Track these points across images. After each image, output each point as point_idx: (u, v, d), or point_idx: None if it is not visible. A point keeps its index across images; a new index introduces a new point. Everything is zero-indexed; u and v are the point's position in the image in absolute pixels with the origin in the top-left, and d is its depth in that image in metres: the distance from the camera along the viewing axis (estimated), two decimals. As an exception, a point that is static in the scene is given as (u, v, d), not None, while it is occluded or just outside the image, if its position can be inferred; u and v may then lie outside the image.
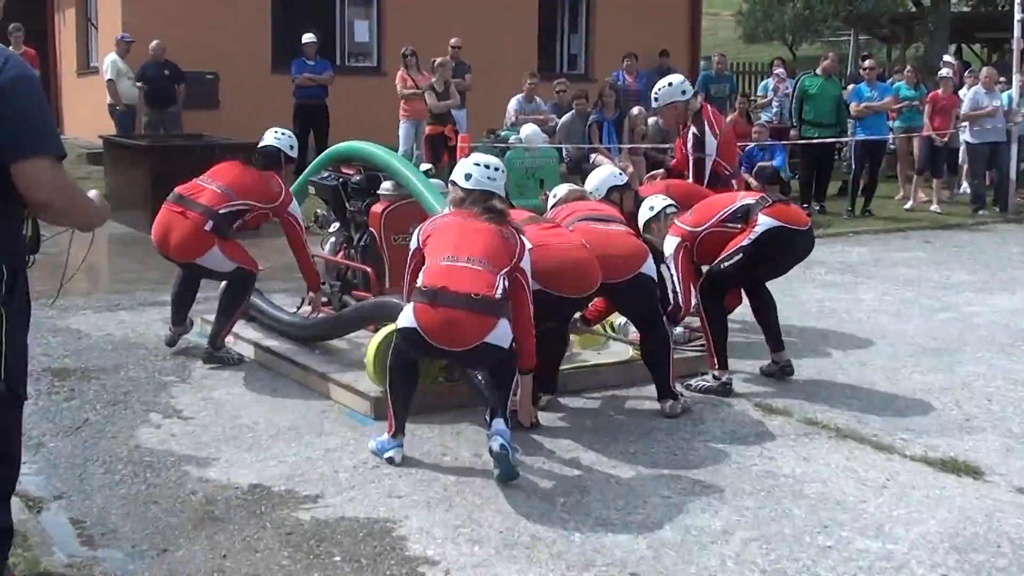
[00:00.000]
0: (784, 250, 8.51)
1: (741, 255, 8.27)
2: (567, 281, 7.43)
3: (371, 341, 7.80)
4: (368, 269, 9.52)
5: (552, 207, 8.60)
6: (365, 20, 24.33)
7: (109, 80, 19.96)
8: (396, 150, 18.01)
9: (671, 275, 8.47)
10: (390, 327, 7.55)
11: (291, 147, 9.61)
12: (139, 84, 19.91)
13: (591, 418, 7.80)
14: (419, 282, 6.64)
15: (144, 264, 10.02)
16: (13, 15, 22.11)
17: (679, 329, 9.12)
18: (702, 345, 8.89)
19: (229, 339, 9.29)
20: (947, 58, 25.44)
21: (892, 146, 21.16)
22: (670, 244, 8.43)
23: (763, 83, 24.21)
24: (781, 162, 18.74)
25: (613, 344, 9.07)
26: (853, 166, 19.24)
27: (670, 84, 10.36)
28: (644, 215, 8.81)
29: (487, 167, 7.31)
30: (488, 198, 7.06)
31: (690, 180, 10.02)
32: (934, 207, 19.63)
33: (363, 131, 13.03)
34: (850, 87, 19.94)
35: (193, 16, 21.31)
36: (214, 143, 16.54)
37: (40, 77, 17.19)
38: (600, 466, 6.84)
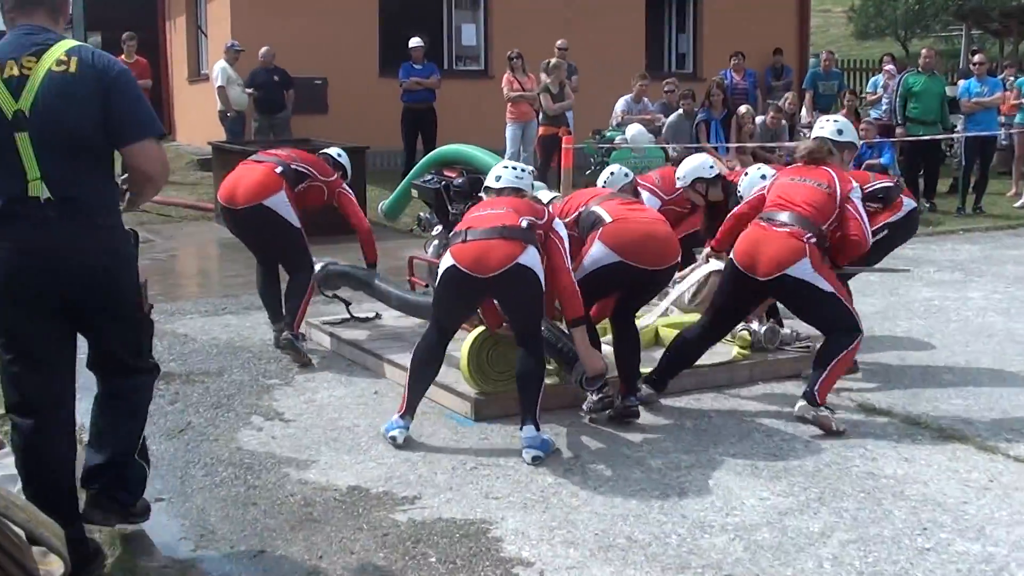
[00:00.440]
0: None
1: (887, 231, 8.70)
2: (647, 253, 7.53)
3: (464, 344, 7.84)
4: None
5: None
6: (472, 23, 24.37)
7: (220, 87, 20.18)
8: (503, 152, 18.14)
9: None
10: (480, 329, 7.69)
11: (340, 155, 10.11)
12: (249, 90, 20.11)
13: (692, 419, 7.76)
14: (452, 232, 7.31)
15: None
16: (126, 25, 22.56)
17: (786, 330, 9.04)
18: (807, 346, 8.83)
19: (332, 343, 9.38)
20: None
21: (1004, 142, 20.83)
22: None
23: (872, 80, 23.91)
24: (889, 159, 18.48)
25: (718, 344, 9.02)
26: (963, 163, 18.94)
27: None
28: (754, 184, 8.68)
29: (515, 168, 7.80)
30: (518, 193, 7.59)
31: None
32: (1047, 204, 19.32)
33: (470, 134, 13.10)
34: (960, 83, 19.63)
35: (301, 22, 21.49)
36: (322, 145, 16.65)
37: (151, 85, 17.72)
38: (699, 467, 6.80)
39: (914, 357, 9.40)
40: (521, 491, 6.41)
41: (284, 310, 9.35)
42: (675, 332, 8.74)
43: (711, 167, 9.19)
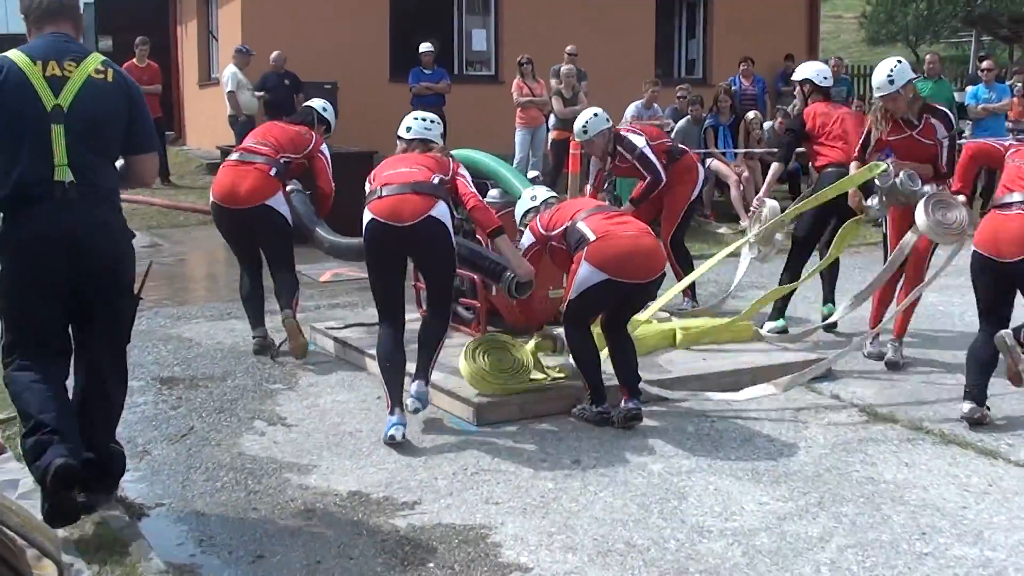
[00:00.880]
0: None
1: None
2: (633, 268, 7.61)
3: (461, 353, 7.94)
4: (474, 276, 9.56)
5: (530, 211, 8.52)
6: (482, 29, 24.36)
7: (229, 92, 20.21)
8: (512, 158, 18.17)
9: None
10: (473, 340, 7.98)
11: (324, 109, 10.51)
12: (258, 94, 20.14)
13: (693, 424, 7.76)
14: (367, 189, 7.75)
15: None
16: (138, 29, 22.62)
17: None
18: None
19: (336, 348, 9.42)
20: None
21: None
22: None
23: (881, 85, 23.88)
24: (893, 164, 18.47)
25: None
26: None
27: (596, 115, 10.77)
28: None
29: (424, 120, 8.35)
30: (425, 143, 8.15)
31: (641, 186, 10.84)
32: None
33: (480, 139, 13.11)
34: (968, 88, 19.58)
35: (312, 27, 21.52)
36: (332, 152, 16.67)
37: (162, 89, 17.93)
38: (699, 472, 6.81)
39: (917, 362, 9.41)
40: (521, 496, 6.42)
41: (280, 303, 9.50)
42: (693, 334, 8.88)
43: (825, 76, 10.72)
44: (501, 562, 5.59)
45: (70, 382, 5.93)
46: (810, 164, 11.17)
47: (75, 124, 5.67)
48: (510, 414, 7.72)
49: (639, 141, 10.72)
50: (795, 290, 10.25)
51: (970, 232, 8.22)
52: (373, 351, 9.02)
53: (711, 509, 6.24)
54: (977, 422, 7.62)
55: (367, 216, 7.59)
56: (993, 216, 7.75)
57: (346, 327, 9.91)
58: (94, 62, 5.80)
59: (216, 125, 22.15)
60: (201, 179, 21.17)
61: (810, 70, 10.88)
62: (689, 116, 18.62)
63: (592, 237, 7.60)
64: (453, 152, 10.36)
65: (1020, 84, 20.33)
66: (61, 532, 5.49)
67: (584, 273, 7.56)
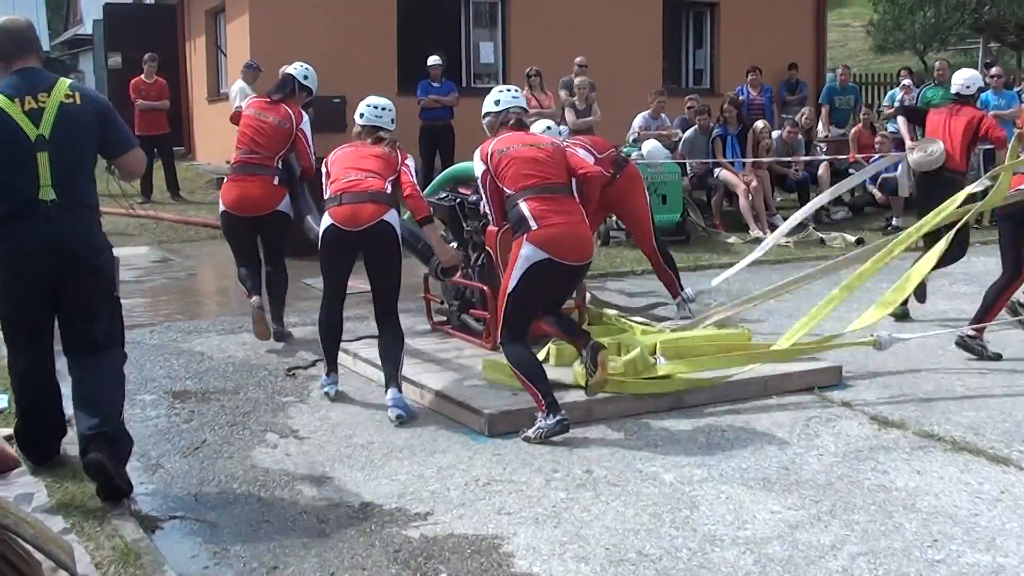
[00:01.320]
0: None
1: None
2: (571, 250, 7.94)
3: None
4: (485, 288, 9.61)
5: (488, 115, 8.73)
6: (490, 41, 24.40)
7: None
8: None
9: None
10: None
11: (305, 77, 11.08)
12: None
13: (704, 433, 7.77)
14: (327, 195, 8.58)
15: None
16: (146, 45, 22.69)
17: None
18: None
19: (348, 360, 9.45)
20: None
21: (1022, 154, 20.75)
22: None
23: (890, 93, 23.89)
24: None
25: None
26: (982, 175, 18.82)
27: (548, 128, 10.87)
28: None
29: (376, 107, 9.10)
30: (375, 131, 8.97)
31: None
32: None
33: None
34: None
35: (320, 41, 21.55)
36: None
37: (171, 104, 18.43)
38: (711, 481, 6.82)
39: (927, 369, 9.41)
40: (533, 506, 6.43)
41: (271, 305, 10.60)
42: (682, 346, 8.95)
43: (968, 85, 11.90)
44: (513, 572, 5.59)
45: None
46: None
47: (56, 149, 6.37)
48: (521, 424, 7.72)
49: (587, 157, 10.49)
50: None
51: None
52: (411, 375, 9.07)
53: (723, 518, 6.24)
54: None
55: (327, 220, 8.47)
56: None
57: (356, 339, 9.94)
58: (63, 88, 6.48)
59: (225, 140, 22.09)
60: (211, 194, 21.17)
61: (957, 79, 12.00)
62: (697, 126, 18.64)
63: (534, 225, 7.85)
64: (458, 165, 10.41)
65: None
66: (76, 544, 5.52)
67: (527, 252, 7.83)
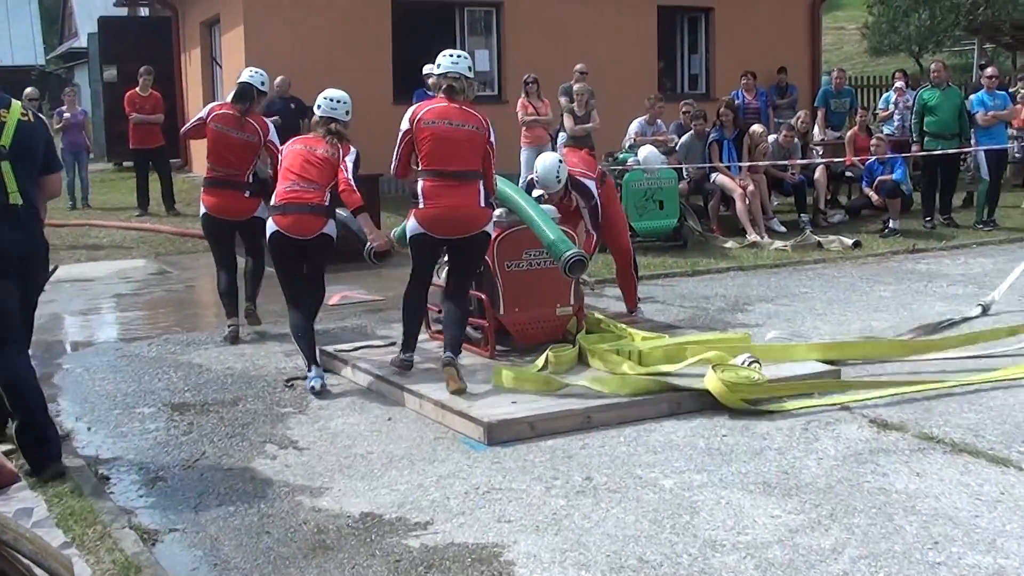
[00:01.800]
0: None
1: None
2: (445, 227, 8.95)
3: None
4: (482, 296, 9.60)
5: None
6: (485, 49, 24.40)
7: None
8: (517, 177, 18.18)
9: None
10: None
11: (262, 83, 11.54)
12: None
13: (704, 438, 7.76)
14: (272, 203, 9.58)
15: (267, 297, 10.40)
16: (142, 57, 22.73)
17: None
18: None
19: (347, 370, 9.46)
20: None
21: (1018, 155, 20.81)
22: None
23: (884, 96, 23.92)
24: (901, 175, 18.43)
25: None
26: (982, 176, 18.81)
27: (561, 161, 10.90)
28: None
29: (332, 99, 9.78)
30: (329, 122, 9.67)
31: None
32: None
33: (485, 159, 13.09)
34: (971, 96, 19.57)
35: (315, 51, 21.61)
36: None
37: (167, 116, 18.74)
38: (711, 486, 6.81)
39: (927, 371, 9.38)
40: (533, 514, 6.43)
41: (246, 292, 11.43)
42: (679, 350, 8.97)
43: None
44: (514, 580, 5.60)
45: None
46: None
47: (16, 159, 7.14)
48: (520, 433, 7.74)
49: (593, 188, 10.80)
50: None
51: None
52: (384, 373, 9.10)
53: (723, 523, 6.23)
54: None
55: (272, 226, 9.43)
56: None
57: (355, 349, 9.95)
58: (17, 107, 7.26)
59: (221, 151, 22.16)
60: (207, 205, 21.20)
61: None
62: (693, 131, 18.65)
63: (421, 204, 8.95)
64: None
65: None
66: (76, 559, 5.52)
67: (412, 225, 9.08)
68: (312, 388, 9.08)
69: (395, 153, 9.10)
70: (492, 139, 9.17)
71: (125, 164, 28.60)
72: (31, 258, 7.28)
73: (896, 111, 21.51)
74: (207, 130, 11.43)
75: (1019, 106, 20.25)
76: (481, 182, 9.02)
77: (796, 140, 19.27)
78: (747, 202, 17.66)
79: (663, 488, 6.80)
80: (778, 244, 16.66)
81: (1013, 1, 37.01)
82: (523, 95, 19.58)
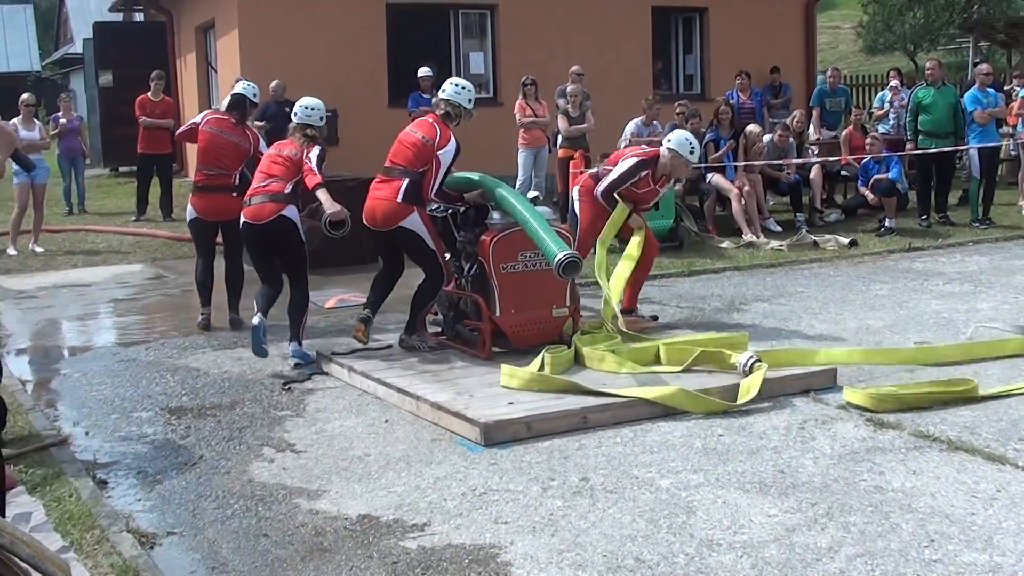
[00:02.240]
0: None
1: None
2: (369, 219, 10.07)
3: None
4: (479, 298, 9.62)
5: None
6: (480, 52, 24.40)
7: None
8: (514, 179, 18.24)
9: None
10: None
11: (254, 95, 12.43)
12: (260, 123, 20.16)
13: (700, 438, 7.77)
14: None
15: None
16: (137, 63, 22.73)
17: None
18: None
19: (343, 373, 9.48)
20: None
21: (1013, 152, 20.82)
22: None
23: (879, 95, 23.92)
24: (897, 174, 18.44)
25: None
26: (980, 175, 18.79)
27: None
28: None
29: (307, 108, 10.79)
30: (305, 128, 10.64)
31: None
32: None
33: (481, 161, 13.14)
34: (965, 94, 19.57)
35: (310, 55, 21.62)
36: (333, 178, 16.72)
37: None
38: (707, 486, 6.82)
39: (923, 369, 9.41)
40: (530, 515, 6.43)
41: (228, 295, 12.08)
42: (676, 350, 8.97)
43: None
44: (512, 581, 5.61)
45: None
46: None
47: None
48: (517, 433, 7.75)
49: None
50: None
51: None
52: (381, 375, 9.10)
53: (719, 523, 6.24)
54: None
55: (241, 218, 10.42)
56: None
57: (352, 352, 9.96)
58: None
59: (217, 155, 22.16)
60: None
61: None
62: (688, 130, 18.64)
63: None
64: (456, 175, 10.42)
65: (1019, 88, 20.39)
66: (74, 563, 5.53)
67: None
68: (253, 324, 9.92)
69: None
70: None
71: (122, 169, 28.62)
72: None
73: (891, 110, 21.49)
74: (200, 132, 12.07)
75: (1011, 103, 20.23)
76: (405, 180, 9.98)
77: (791, 140, 19.28)
78: (743, 202, 17.67)
79: (660, 488, 6.81)
80: (774, 244, 16.67)
81: (1007, -1, 37.05)
82: (521, 97, 19.60)
